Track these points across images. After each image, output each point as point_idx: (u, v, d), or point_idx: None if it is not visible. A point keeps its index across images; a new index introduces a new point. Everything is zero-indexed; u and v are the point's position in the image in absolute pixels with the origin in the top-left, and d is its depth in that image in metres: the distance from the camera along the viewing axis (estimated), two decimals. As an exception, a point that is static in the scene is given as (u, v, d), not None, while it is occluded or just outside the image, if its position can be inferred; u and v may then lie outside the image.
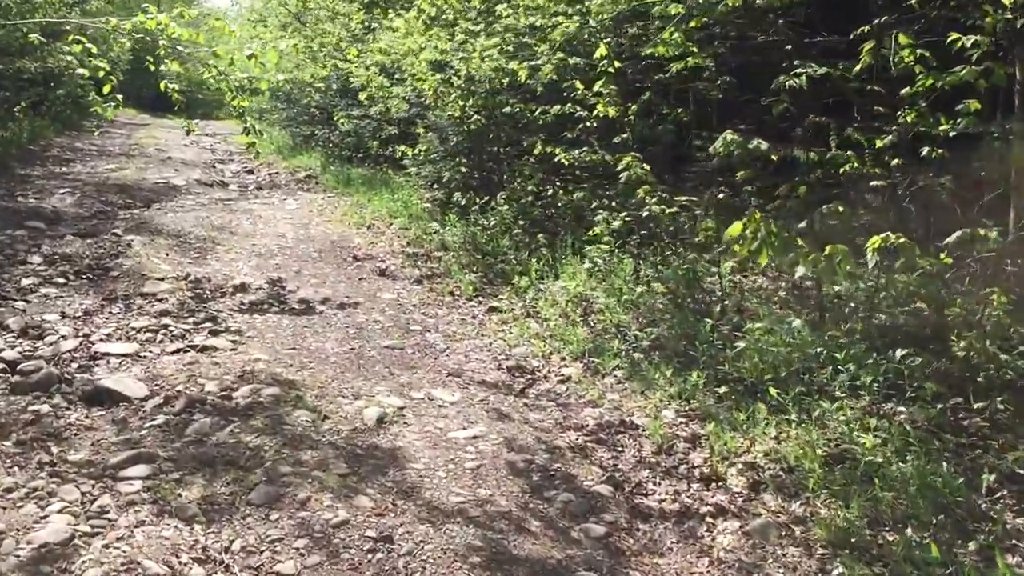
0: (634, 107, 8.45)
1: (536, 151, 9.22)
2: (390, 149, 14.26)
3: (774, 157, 5.97)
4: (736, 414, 4.90)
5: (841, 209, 5.32)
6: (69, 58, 16.06)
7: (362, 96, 13.13)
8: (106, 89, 8.10)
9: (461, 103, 10.01)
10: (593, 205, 9.04)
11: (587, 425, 5.04)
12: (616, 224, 7.26)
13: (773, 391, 4.88)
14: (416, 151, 12.03)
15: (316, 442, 4.47)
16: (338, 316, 6.90)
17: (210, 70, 8.11)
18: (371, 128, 15.01)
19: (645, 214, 6.78)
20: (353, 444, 4.51)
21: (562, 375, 5.85)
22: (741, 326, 5.68)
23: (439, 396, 5.31)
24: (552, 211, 9.35)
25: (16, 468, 4.03)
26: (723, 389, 5.09)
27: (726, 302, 6.12)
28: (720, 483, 4.35)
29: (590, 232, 8.33)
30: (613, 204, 9.03)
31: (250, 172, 16.58)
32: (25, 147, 15.52)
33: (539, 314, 7.07)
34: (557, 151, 9.10)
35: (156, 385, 5.14)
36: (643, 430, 4.93)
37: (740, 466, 4.44)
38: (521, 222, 9.40)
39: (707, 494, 4.27)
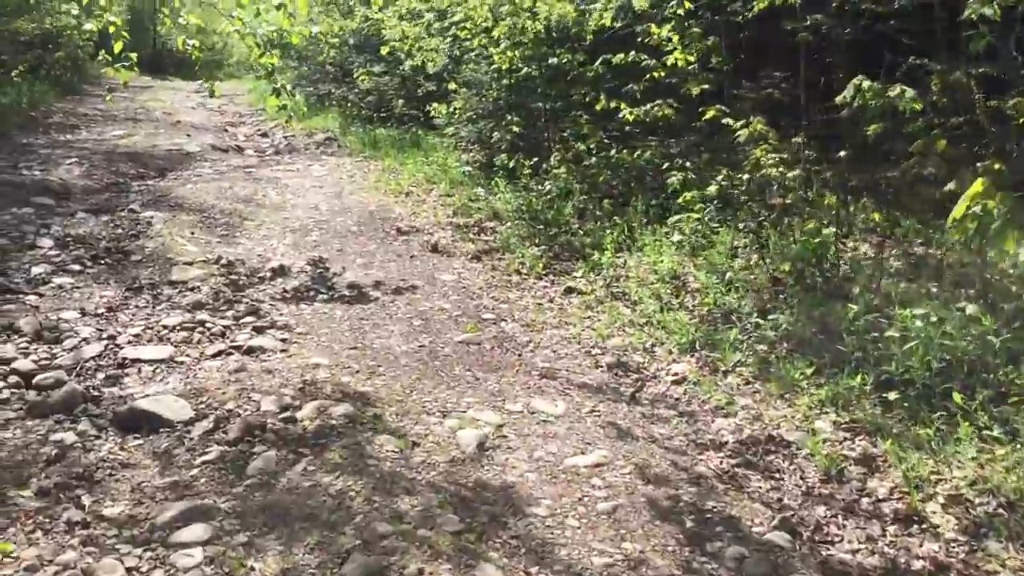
0: (718, 56, 7.46)
1: (599, 106, 8.21)
2: (417, 108, 13.26)
3: (918, 106, 5.02)
4: (915, 427, 4.00)
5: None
6: (70, 17, 15.07)
7: (384, 50, 12.09)
8: (117, 47, 7.12)
9: (510, 54, 8.97)
10: (665, 166, 8.09)
11: (726, 442, 4.14)
12: (712, 189, 6.28)
13: (958, 397, 3.97)
14: (451, 109, 11.02)
15: (412, 482, 3.58)
16: (397, 304, 5.98)
17: (234, 22, 7.13)
18: (395, 85, 13.96)
19: (749, 177, 5.82)
20: (456, 483, 3.62)
21: (675, 374, 4.94)
22: (890, 313, 4.74)
23: (540, 408, 4.41)
24: (618, 174, 8.36)
25: (40, 532, 3.14)
26: (892, 395, 4.17)
27: (866, 284, 5.17)
28: (923, 525, 3.45)
29: (672, 198, 7.39)
30: (687, 164, 8.08)
31: (264, 136, 15.53)
32: (25, 113, 14.45)
33: (626, 296, 6.14)
34: (623, 106, 8.11)
35: (201, 403, 4.24)
36: (798, 448, 4.04)
37: (942, 500, 3.54)
38: (581, 187, 8.43)
39: (911, 540, 3.37)
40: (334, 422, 4.03)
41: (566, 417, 4.33)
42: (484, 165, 10.27)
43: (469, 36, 9.25)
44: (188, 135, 13.99)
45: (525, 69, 9.04)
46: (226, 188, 9.43)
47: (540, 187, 8.75)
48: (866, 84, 4.95)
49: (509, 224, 8.09)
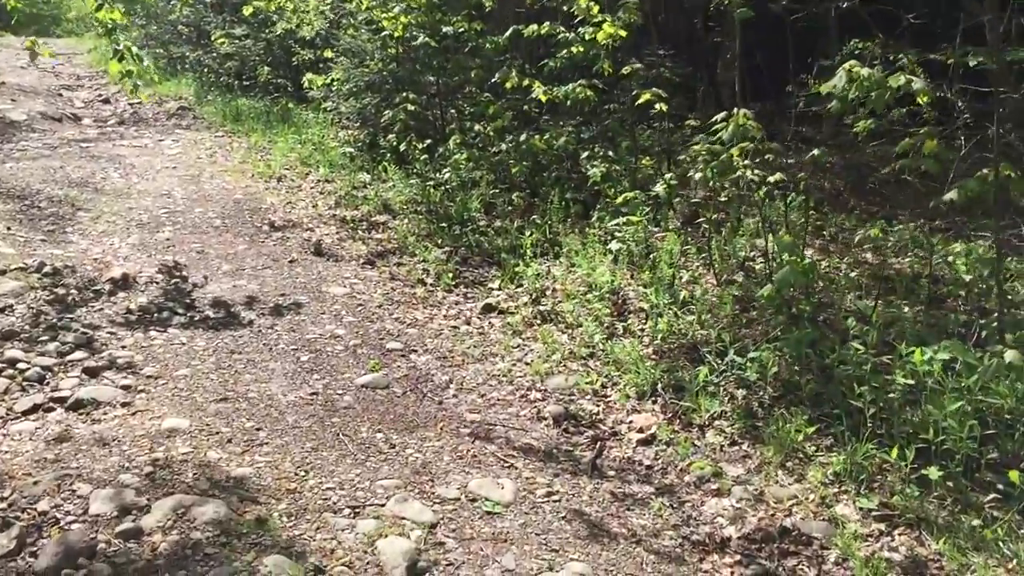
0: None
1: (509, 84, 7.10)
2: (285, 77, 11.77)
3: (923, 100, 4.19)
4: (966, 516, 3.15)
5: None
6: None
7: (247, 10, 10.56)
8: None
9: (403, 19, 7.72)
10: (585, 155, 7.10)
11: (729, 538, 3.18)
12: (660, 189, 5.29)
13: (1015, 475, 3.14)
14: (328, 80, 9.66)
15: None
16: (277, 329, 4.74)
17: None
18: (259, 51, 12.38)
19: (704, 177, 4.87)
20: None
21: (639, 429, 3.94)
22: (897, 352, 3.88)
23: (482, 492, 3.31)
24: (528, 162, 7.30)
25: None
26: (934, 471, 3.29)
27: (855, 311, 4.31)
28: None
29: (594, 192, 6.43)
30: (609, 154, 7.11)
31: (106, 102, 13.61)
32: None
33: (559, 316, 5.10)
34: (536, 85, 7.05)
35: (1, 500, 2.94)
36: (824, 546, 3.11)
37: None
38: (486, 176, 7.33)
39: None
40: (198, 535, 2.81)
41: (517, 506, 3.26)
42: (368, 146, 9.00)
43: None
44: (13, 100, 11.99)
45: (421, 38, 7.80)
46: (56, 168, 7.80)
47: (437, 175, 7.59)
48: (864, 72, 4.06)
49: (404, 219, 6.90)
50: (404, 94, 8.12)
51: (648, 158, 7.66)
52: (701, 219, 5.78)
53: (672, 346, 4.58)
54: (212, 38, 13.05)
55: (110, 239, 6.05)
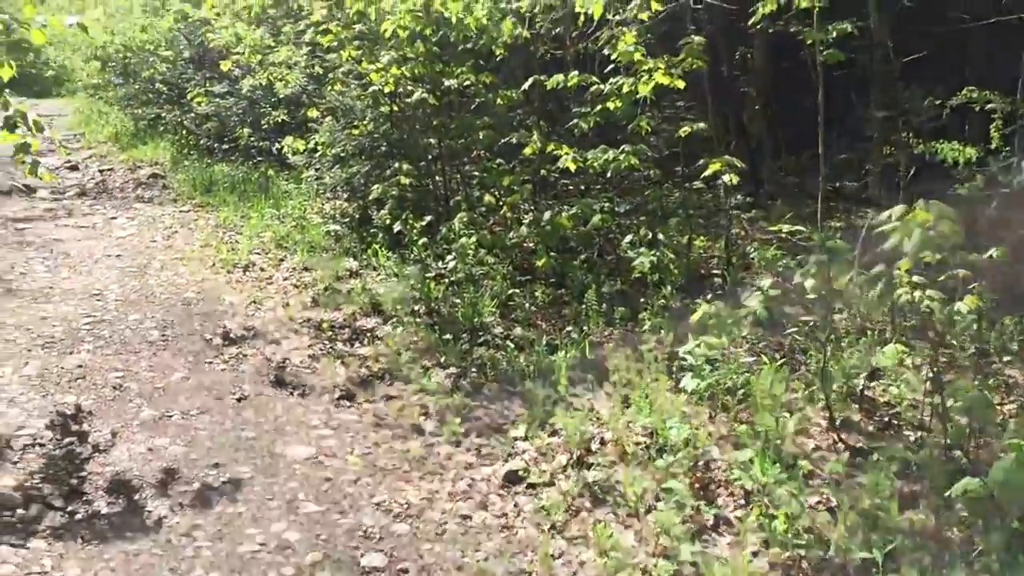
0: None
1: (530, 150, 5.60)
2: (268, 140, 10.28)
3: None
4: None
5: None
6: None
7: (225, 66, 9.15)
8: None
9: (394, 71, 6.24)
10: (628, 240, 5.59)
11: None
12: (755, 304, 3.69)
13: None
14: (311, 144, 8.17)
15: None
16: (196, 537, 3.14)
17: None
18: (239, 111, 10.92)
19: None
20: None
21: None
22: None
23: None
24: (552, 245, 5.77)
25: None
26: None
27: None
28: None
29: (640, 284, 4.92)
30: (659, 236, 5.61)
31: (74, 169, 12.21)
32: None
33: (617, 493, 3.49)
34: (563, 151, 5.55)
35: None
36: None
37: None
38: (501, 264, 5.80)
39: None
40: None
41: None
42: (357, 222, 7.49)
43: (334, 44, 6.44)
44: (-41, 170, 10.55)
45: (419, 93, 6.30)
46: (-34, 262, 6.30)
47: (439, 263, 6.06)
48: None
49: (398, 325, 5.34)
50: (399, 162, 6.62)
51: (702, 237, 6.16)
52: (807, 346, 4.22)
53: (798, 556, 2.97)
54: (189, 96, 11.62)
55: (-1, 369, 4.50)
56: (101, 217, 8.36)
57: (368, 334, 5.36)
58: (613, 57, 5.07)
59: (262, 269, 6.67)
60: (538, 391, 4.29)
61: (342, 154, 7.74)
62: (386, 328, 5.41)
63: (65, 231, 7.64)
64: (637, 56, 5.07)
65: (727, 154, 5.91)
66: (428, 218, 6.65)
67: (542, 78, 5.86)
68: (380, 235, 6.85)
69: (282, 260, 6.90)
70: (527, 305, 5.44)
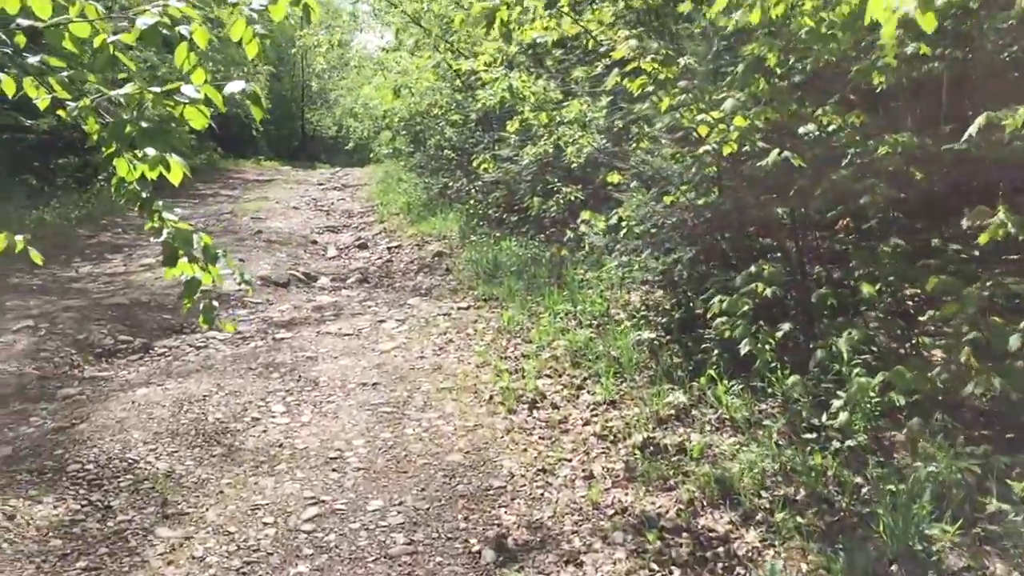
0: None
1: (985, 237, 3.27)
2: (561, 210, 8.56)
3: None
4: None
5: None
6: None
7: (511, 127, 7.60)
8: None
9: (742, 122, 4.16)
10: None
11: None
12: None
13: None
14: (614, 219, 6.27)
15: None
16: None
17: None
18: (528, 175, 9.35)
19: None
20: None
21: None
22: None
23: None
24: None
25: None
26: None
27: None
28: None
29: None
30: None
31: (363, 247, 11.39)
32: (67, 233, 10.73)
33: None
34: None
35: None
36: None
37: None
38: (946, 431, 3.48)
39: None
40: None
41: None
42: (677, 326, 5.46)
43: (648, 89, 4.47)
44: (245, 257, 9.90)
45: (774, 154, 4.16)
46: (196, 399, 5.01)
47: (823, 419, 3.85)
48: None
49: (764, 528, 3.21)
50: (735, 251, 4.52)
51: None
52: None
53: None
54: (474, 162, 10.31)
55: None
56: (370, 319, 7.01)
57: (720, 546, 3.27)
58: None
59: (554, 406, 4.83)
60: None
61: (655, 230, 5.78)
62: (748, 536, 3.30)
63: (326, 341, 6.33)
64: None
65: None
66: (784, 327, 4.47)
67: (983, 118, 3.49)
68: (715, 352, 4.77)
69: (580, 388, 5.03)
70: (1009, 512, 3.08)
